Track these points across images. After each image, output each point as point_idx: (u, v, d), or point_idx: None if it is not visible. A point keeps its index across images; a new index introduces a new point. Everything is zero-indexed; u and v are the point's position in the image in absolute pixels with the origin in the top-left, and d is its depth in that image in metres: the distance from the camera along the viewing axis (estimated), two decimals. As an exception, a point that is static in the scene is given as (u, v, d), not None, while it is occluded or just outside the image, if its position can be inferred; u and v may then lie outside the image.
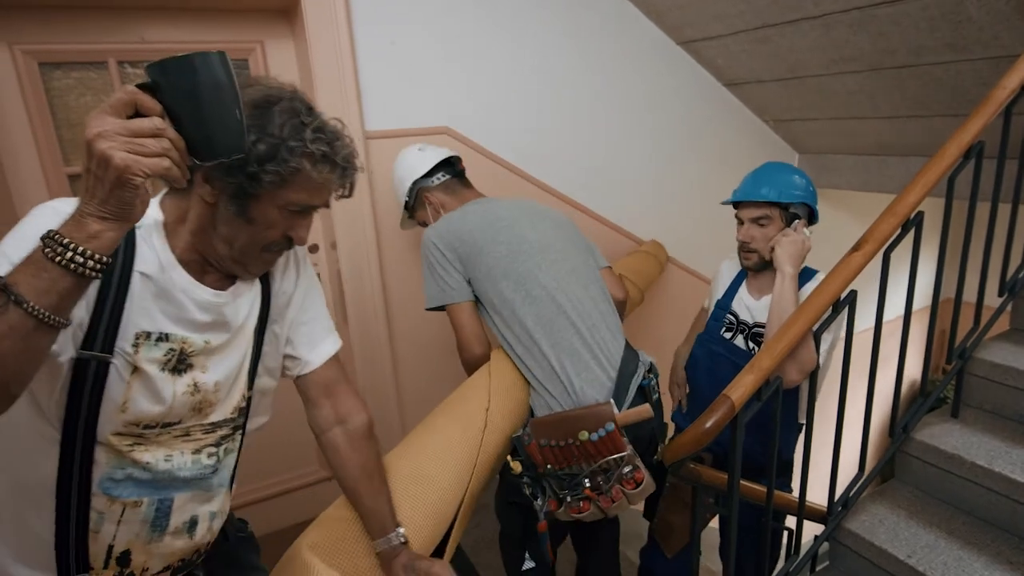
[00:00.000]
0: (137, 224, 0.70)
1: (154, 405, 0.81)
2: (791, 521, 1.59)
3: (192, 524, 0.90)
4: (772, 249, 1.52)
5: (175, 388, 0.82)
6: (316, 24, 1.83)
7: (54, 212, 0.73)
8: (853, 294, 1.34)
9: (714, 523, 1.79)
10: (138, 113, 0.61)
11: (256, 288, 0.93)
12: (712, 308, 1.74)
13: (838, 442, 1.52)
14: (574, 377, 1.34)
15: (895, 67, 2.04)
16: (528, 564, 1.52)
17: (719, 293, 1.74)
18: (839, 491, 1.57)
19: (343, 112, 1.92)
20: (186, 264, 0.83)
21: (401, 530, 1.00)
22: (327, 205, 0.88)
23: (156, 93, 0.64)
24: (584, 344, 1.37)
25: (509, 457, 1.40)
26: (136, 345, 0.78)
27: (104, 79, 1.80)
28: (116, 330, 0.76)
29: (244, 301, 0.90)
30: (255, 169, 0.77)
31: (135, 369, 0.78)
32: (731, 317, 1.68)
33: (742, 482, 1.33)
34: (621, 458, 1.25)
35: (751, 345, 1.61)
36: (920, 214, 1.40)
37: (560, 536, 1.73)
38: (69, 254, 0.60)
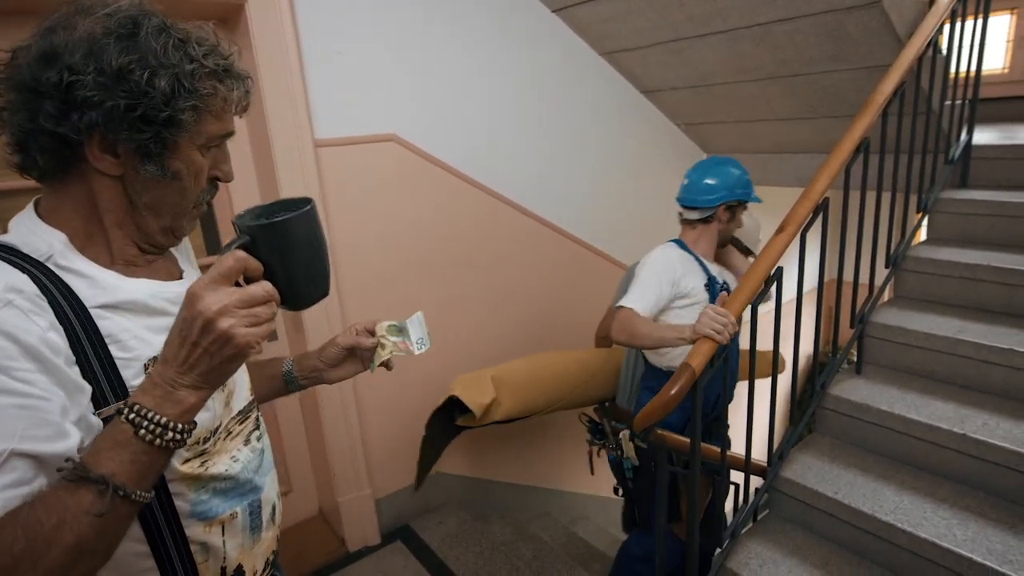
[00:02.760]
0: (43, 256, 0.64)
1: (203, 414, 0.72)
2: (736, 476, 1.79)
3: (273, 511, 0.88)
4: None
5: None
6: (262, 32, 1.83)
7: (19, 313, 0.59)
8: (779, 270, 1.56)
9: None
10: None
11: (183, 259, 0.84)
12: (702, 287, 1.90)
13: (773, 404, 1.74)
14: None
15: (789, 75, 2.35)
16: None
17: (699, 275, 1.91)
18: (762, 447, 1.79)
19: (292, 120, 1.93)
20: (130, 267, 0.72)
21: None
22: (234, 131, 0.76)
23: (251, 249, 0.63)
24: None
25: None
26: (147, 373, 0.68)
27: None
28: (118, 374, 0.65)
29: (191, 276, 0.81)
30: (167, 112, 0.64)
31: None
32: (726, 289, 1.93)
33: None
34: None
35: None
36: (827, 199, 1.65)
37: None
38: (169, 434, 0.57)
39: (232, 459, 0.79)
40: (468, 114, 2.36)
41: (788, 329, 1.76)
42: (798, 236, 1.60)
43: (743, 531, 1.76)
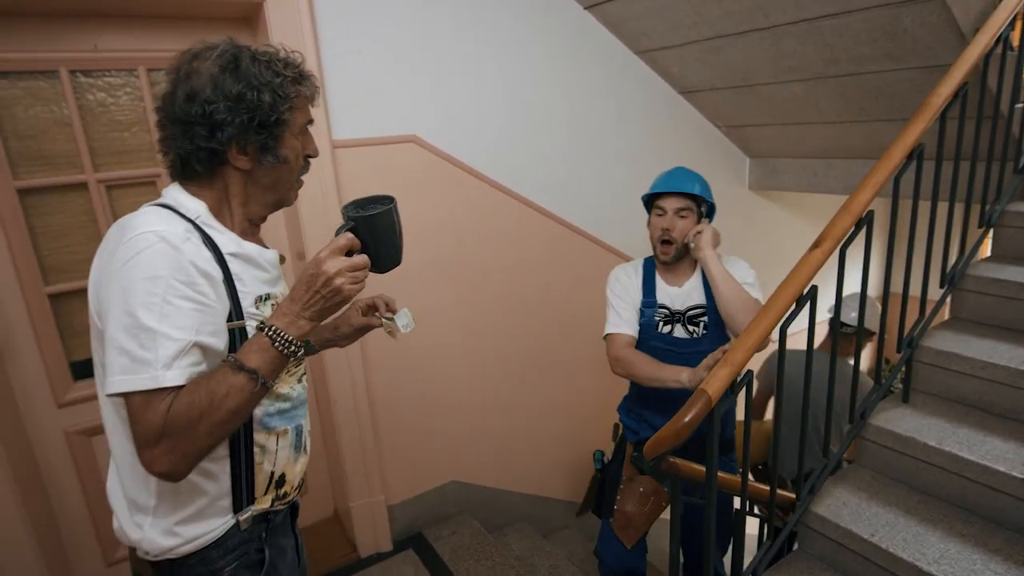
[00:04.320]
0: (193, 216, 0.92)
1: None
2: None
3: (306, 442, 1.10)
4: (695, 236, 1.70)
5: None
6: (280, 33, 1.81)
7: (169, 247, 0.84)
8: (814, 289, 1.42)
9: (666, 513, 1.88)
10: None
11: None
12: (639, 309, 1.80)
13: (803, 431, 1.60)
14: None
15: (838, 76, 2.18)
16: None
17: (637, 293, 1.81)
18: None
19: (310, 121, 1.90)
20: (244, 235, 0.99)
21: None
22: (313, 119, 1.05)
23: (353, 231, 0.94)
24: None
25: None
26: (259, 306, 0.97)
27: (55, 88, 1.73)
28: (239, 303, 0.93)
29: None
30: (275, 116, 0.92)
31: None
32: (664, 310, 1.78)
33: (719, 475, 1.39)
34: None
35: (691, 329, 1.75)
36: (871, 212, 1.49)
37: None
38: (292, 348, 0.88)
39: (290, 388, 1.04)
40: (493, 116, 2.29)
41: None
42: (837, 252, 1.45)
43: (767, 569, 1.62)
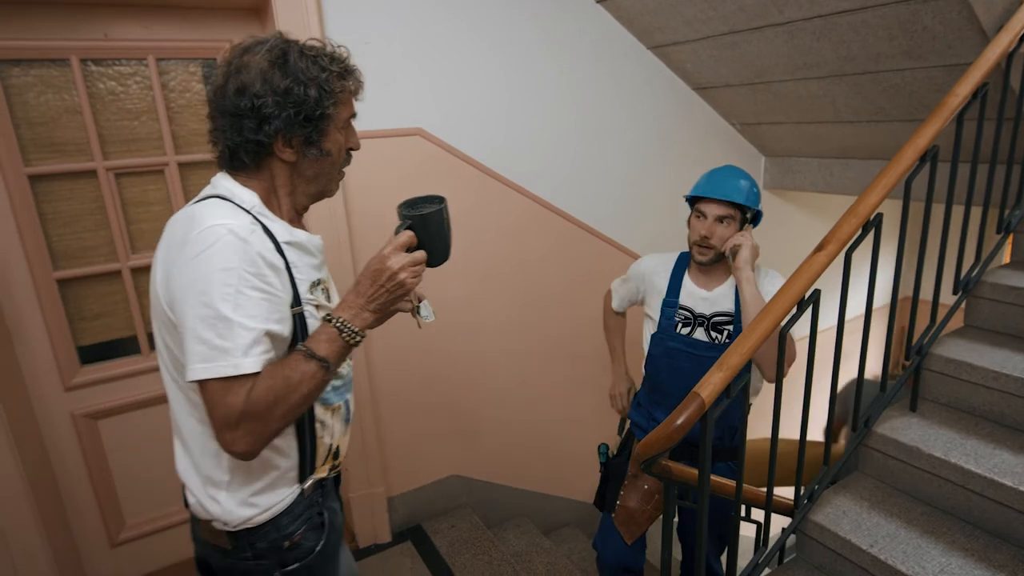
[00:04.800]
0: (248, 207, 0.96)
1: None
2: (758, 514, 1.63)
3: (351, 416, 1.18)
4: (734, 250, 1.60)
5: None
6: (286, 23, 1.81)
7: (238, 240, 0.88)
8: (817, 293, 1.38)
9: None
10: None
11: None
12: (657, 307, 1.76)
13: (803, 438, 1.56)
14: None
15: (855, 73, 2.12)
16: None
17: (660, 290, 1.77)
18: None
19: (315, 113, 1.91)
20: (292, 223, 1.03)
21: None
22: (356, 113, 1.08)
23: (414, 227, 0.99)
24: None
25: None
26: (312, 292, 1.02)
27: (66, 76, 1.75)
28: (297, 289, 0.98)
29: None
30: (320, 110, 0.95)
31: (318, 307, 1.03)
32: (684, 312, 1.72)
33: (712, 478, 1.37)
34: None
35: (713, 335, 1.68)
36: (879, 215, 1.45)
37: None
38: (357, 338, 0.95)
39: (344, 367, 1.11)
40: (499, 110, 2.28)
41: (827, 356, 1.58)
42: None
43: (762, 575, 1.60)
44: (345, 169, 1.07)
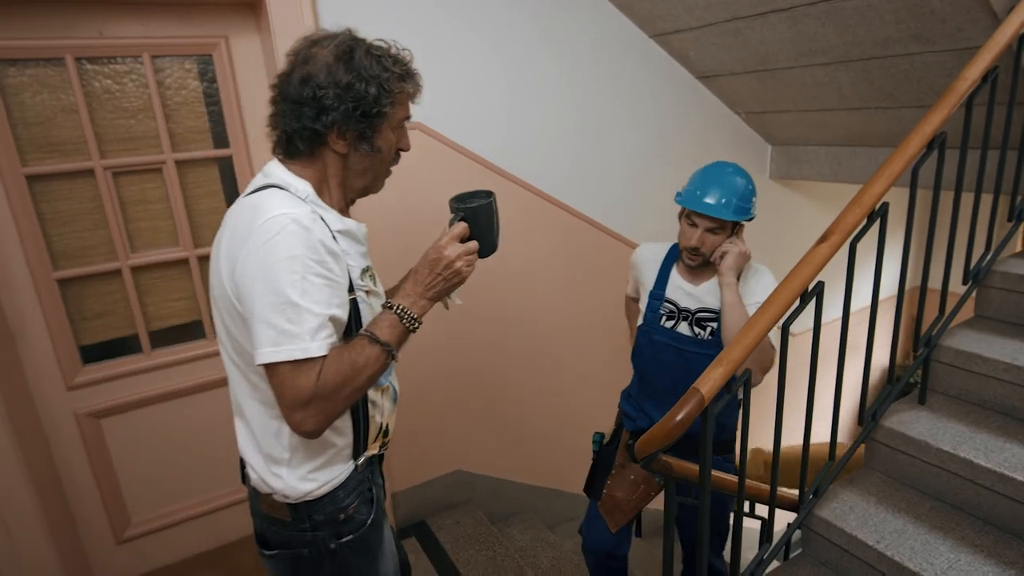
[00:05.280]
0: (304, 197, 0.99)
1: None
2: (761, 510, 1.61)
3: (398, 396, 1.24)
4: (720, 257, 1.58)
5: (381, 300, 1.13)
6: (281, 17, 1.79)
7: (302, 228, 0.92)
8: (820, 285, 1.35)
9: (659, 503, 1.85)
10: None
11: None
12: (645, 298, 1.76)
13: (808, 431, 1.54)
14: None
15: (862, 59, 2.07)
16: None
17: (649, 282, 1.76)
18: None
19: (311, 108, 1.89)
20: (341, 212, 1.07)
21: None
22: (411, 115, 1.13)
23: (467, 219, 1.06)
24: None
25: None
26: (363, 278, 1.06)
27: (62, 76, 1.74)
28: (350, 277, 1.02)
29: None
30: (376, 108, 0.99)
31: (368, 293, 1.08)
32: (669, 305, 1.71)
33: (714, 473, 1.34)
34: None
35: (696, 331, 1.66)
36: (885, 205, 1.41)
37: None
38: (416, 324, 1.02)
39: None
40: (498, 102, 2.25)
41: (831, 350, 1.55)
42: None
43: (767, 571, 1.57)
44: (358, 168, 1.08)
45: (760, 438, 2.46)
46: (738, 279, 1.60)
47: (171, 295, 2.03)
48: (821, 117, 2.59)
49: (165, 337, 2.05)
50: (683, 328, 1.69)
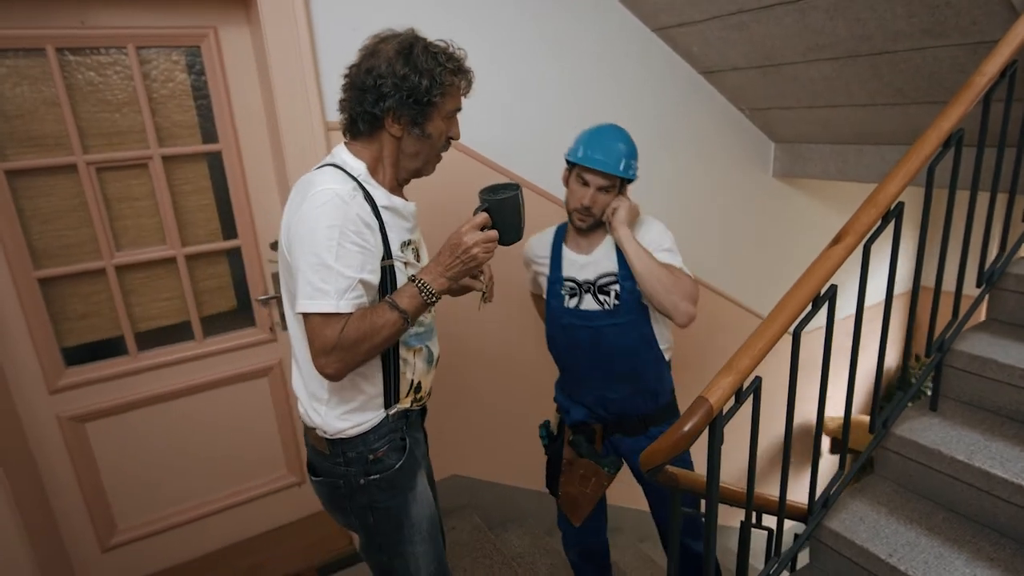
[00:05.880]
0: (356, 175, 1.14)
1: None
2: (769, 520, 1.55)
3: (437, 359, 1.37)
4: (611, 213, 1.57)
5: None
6: (271, 8, 1.73)
7: (342, 202, 1.07)
8: (833, 289, 1.29)
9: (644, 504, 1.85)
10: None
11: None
12: (545, 286, 1.72)
13: (818, 438, 1.48)
14: None
15: (871, 54, 2.01)
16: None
17: (544, 268, 1.73)
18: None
19: (302, 102, 1.82)
20: (392, 190, 1.21)
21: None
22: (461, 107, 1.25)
23: (488, 210, 1.16)
24: None
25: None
26: (403, 250, 1.20)
27: (42, 67, 1.67)
28: (389, 246, 1.16)
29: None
30: (428, 97, 1.13)
31: (406, 264, 1.21)
32: (569, 284, 1.66)
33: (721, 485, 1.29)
34: None
35: (602, 298, 1.62)
36: (900, 205, 1.35)
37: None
38: (433, 298, 1.14)
39: (425, 316, 1.30)
40: (494, 96, 2.18)
41: (844, 352, 1.49)
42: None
43: (775, 584, 1.52)
44: (410, 151, 1.20)
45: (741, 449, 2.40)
46: None
47: (158, 295, 1.97)
48: (827, 114, 2.53)
49: (152, 339, 1.99)
50: (588, 302, 1.64)
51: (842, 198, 3.41)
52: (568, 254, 1.68)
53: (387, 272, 1.15)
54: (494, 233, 1.16)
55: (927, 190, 1.42)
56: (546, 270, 1.72)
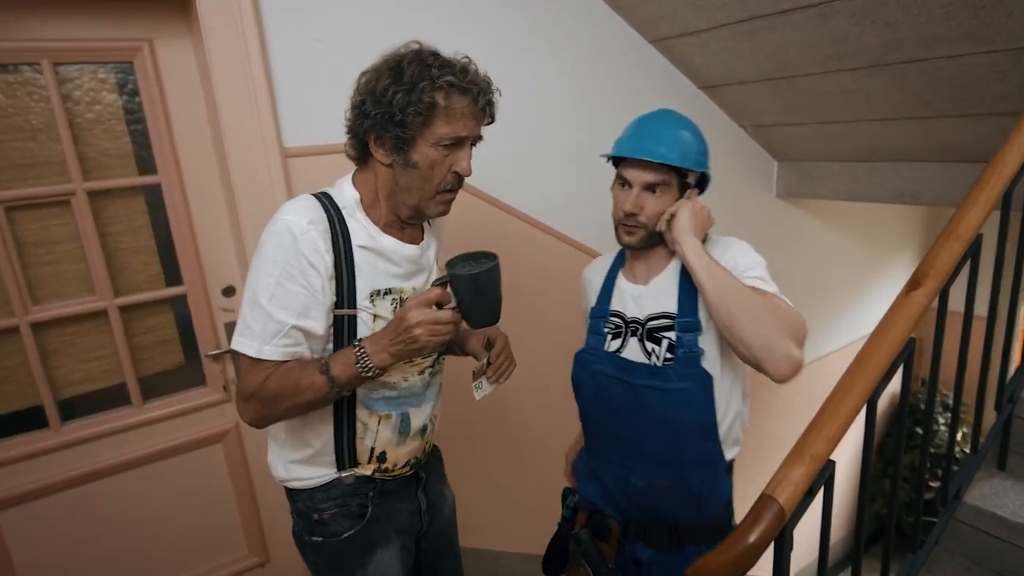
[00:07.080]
0: (342, 206, 1.03)
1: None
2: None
3: (423, 429, 1.18)
4: (670, 219, 1.17)
5: None
6: (213, 16, 1.46)
7: (291, 236, 0.96)
8: (912, 344, 1.05)
9: None
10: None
11: (431, 233, 1.18)
12: (587, 320, 1.34)
13: (891, 514, 1.22)
14: None
15: (900, 62, 1.80)
16: None
17: (592, 298, 1.34)
18: None
19: (253, 126, 1.55)
20: (388, 228, 1.07)
21: None
22: (479, 136, 1.07)
23: (451, 285, 1.00)
24: None
25: None
26: (372, 300, 1.04)
27: (-64, 87, 1.38)
28: (354, 293, 1.02)
29: (430, 245, 1.16)
30: (399, 116, 0.95)
31: (375, 317, 1.05)
32: (615, 320, 1.26)
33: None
34: None
35: (650, 347, 1.19)
36: (979, 238, 1.12)
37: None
38: (371, 372, 0.98)
39: (403, 379, 1.12)
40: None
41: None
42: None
43: None
44: (403, 184, 1.03)
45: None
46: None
47: (86, 355, 1.66)
48: (842, 129, 2.33)
49: (79, 406, 1.67)
50: (632, 349, 1.22)
51: (852, 219, 3.23)
52: (621, 283, 1.28)
53: (344, 322, 1.02)
54: (447, 314, 0.96)
55: (1003, 214, 1.19)
56: (593, 299, 1.34)
